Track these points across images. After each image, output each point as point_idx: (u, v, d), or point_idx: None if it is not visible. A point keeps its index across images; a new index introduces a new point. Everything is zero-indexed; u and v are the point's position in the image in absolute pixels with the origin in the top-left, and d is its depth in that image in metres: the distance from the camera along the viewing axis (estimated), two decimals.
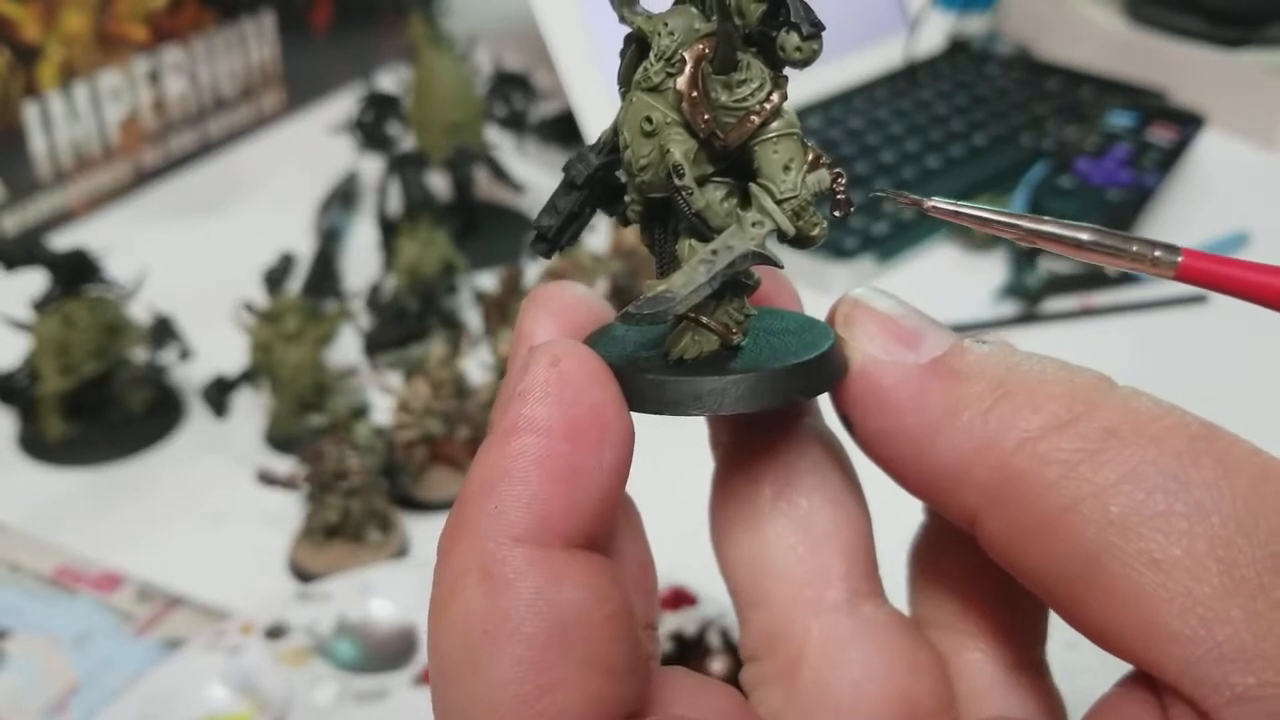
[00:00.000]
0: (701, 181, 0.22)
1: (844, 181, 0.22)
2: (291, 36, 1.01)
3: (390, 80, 0.89)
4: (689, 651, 0.49)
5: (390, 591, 0.52)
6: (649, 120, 0.22)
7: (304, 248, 0.81)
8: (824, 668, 0.23)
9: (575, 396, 0.20)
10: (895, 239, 0.80)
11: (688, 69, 0.22)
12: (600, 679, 0.19)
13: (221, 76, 0.96)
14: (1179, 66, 1.01)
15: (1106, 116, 0.90)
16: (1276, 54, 1.00)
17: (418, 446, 0.60)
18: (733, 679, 0.24)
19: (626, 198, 0.24)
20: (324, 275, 0.78)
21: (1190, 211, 0.86)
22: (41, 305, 0.63)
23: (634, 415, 0.22)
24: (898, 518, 0.27)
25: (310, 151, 0.96)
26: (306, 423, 0.62)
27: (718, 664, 0.49)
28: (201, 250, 0.84)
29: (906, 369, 0.22)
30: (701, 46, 0.22)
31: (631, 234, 0.71)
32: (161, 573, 0.56)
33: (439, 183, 0.85)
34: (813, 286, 0.72)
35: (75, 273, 0.63)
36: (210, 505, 0.61)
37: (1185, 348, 0.72)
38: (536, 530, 0.20)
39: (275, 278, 0.71)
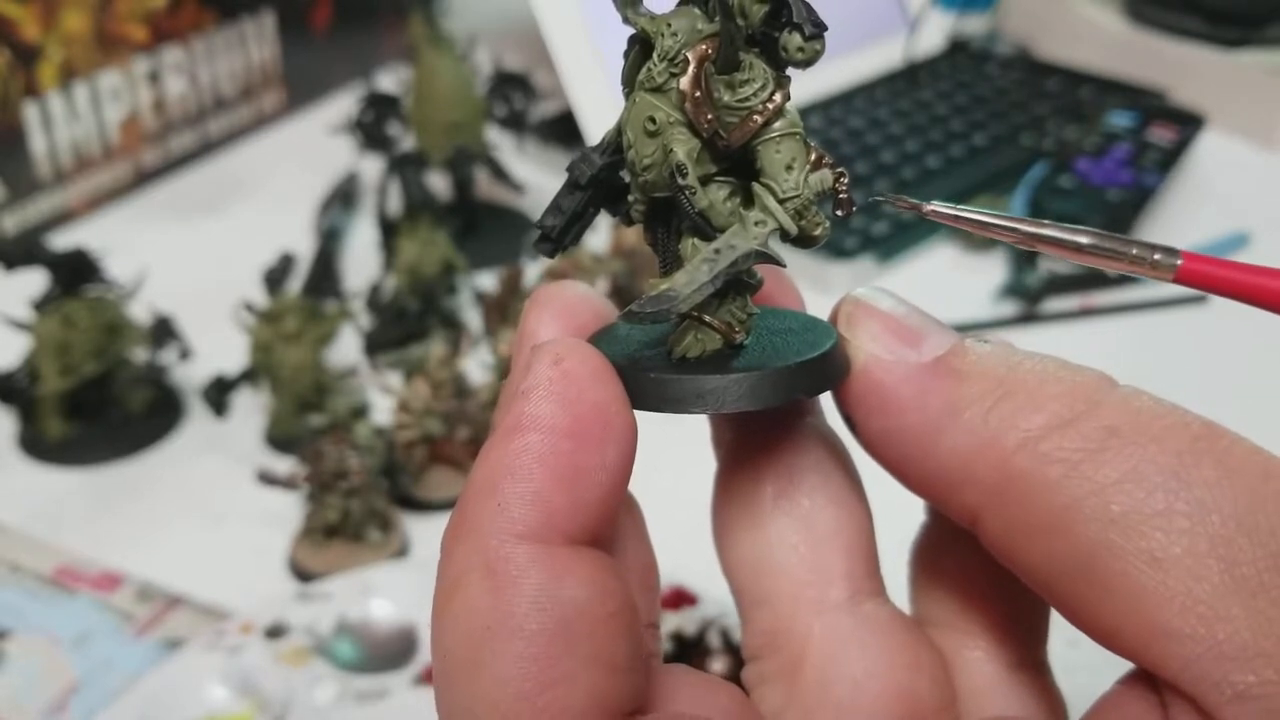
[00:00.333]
0: (704, 181, 0.22)
1: (846, 181, 0.23)
2: (291, 36, 1.01)
3: (390, 80, 0.88)
4: (689, 651, 0.49)
5: (390, 591, 0.52)
6: (652, 120, 0.22)
7: (304, 248, 0.81)
8: (826, 666, 0.23)
9: (578, 394, 0.21)
10: (895, 239, 0.80)
11: (691, 69, 0.22)
12: (603, 676, 0.20)
13: (221, 76, 0.96)
14: (1179, 66, 1.01)
15: (1106, 116, 0.90)
16: (1276, 54, 1.00)
17: (418, 446, 0.60)
18: (733, 679, 0.24)
19: (630, 197, 0.24)
20: (324, 275, 0.78)
21: (1190, 212, 0.86)
22: (41, 305, 0.63)
23: (637, 414, 0.22)
24: (899, 517, 0.27)
25: (310, 151, 0.96)
26: (306, 423, 0.62)
27: (718, 664, 0.49)
28: (201, 250, 0.84)
29: (908, 368, 0.22)
30: (704, 47, 0.22)
31: (632, 234, 0.71)
32: (161, 573, 0.56)
33: (439, 183, 0.85)
34: (813, 286, 0.72)
35: (75, 273, 0.63)
36: (210, 505, 0.61)
37: (1185, 348, 0.72)
38: (540, 527, 0.20)
39: (275, 278, 0.71)
